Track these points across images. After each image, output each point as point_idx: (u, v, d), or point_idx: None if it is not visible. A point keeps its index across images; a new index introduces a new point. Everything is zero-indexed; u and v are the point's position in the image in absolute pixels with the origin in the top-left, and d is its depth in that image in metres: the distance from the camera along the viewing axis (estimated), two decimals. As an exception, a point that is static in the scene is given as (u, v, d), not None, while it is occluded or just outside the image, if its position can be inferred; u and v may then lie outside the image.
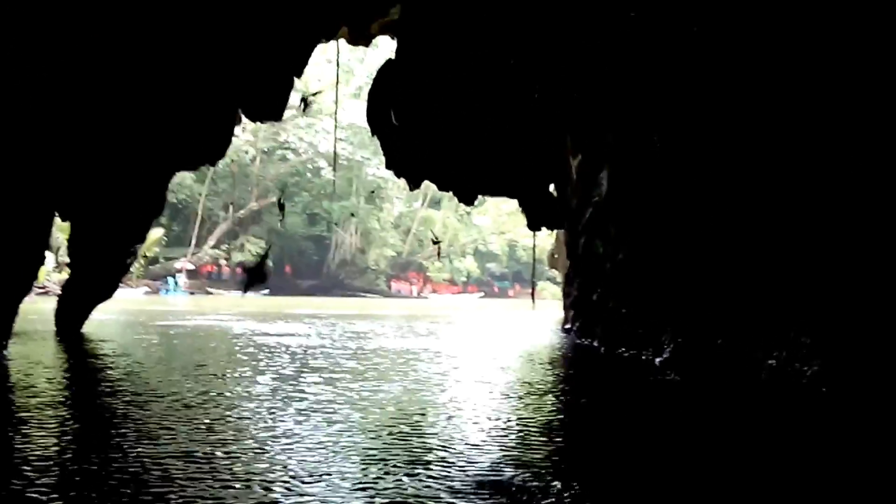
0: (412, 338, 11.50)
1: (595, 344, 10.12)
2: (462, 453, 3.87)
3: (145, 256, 44.42)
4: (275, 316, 18.99)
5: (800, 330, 6.02)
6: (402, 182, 54.55)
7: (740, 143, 7.44)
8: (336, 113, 30.77)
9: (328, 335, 12.15)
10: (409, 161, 11.57)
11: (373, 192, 55.86)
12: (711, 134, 8.24)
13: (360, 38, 14.18)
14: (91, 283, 10.41)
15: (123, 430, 4.50)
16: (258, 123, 49.34)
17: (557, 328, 15.32)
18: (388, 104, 10.99)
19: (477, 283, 69.92)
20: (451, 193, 12.98)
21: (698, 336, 7.16)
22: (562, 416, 5.32)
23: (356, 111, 51.24)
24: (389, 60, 11.65)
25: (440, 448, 3.98)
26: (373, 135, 11.79)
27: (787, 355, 6.03)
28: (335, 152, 32.89)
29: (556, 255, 25.63)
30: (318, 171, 53.86)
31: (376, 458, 3.78)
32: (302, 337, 11.44)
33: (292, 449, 3.92)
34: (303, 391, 5.89)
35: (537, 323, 18.40)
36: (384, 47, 62.33)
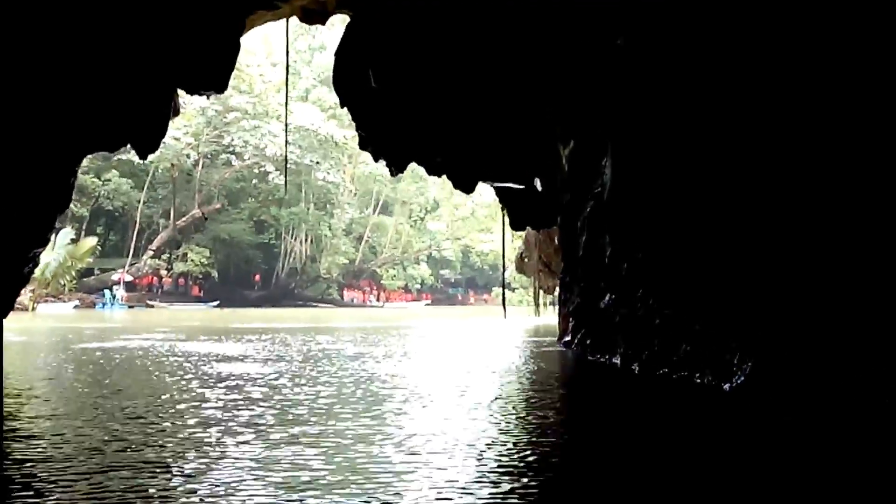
0: (386, 361, 9.51)
1: (617, 362, 8.32)
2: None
3: (77, 269, 41.31)
4: (221, 332, 16.72)
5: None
6: (353, 187, 52.23)
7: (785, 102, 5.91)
8: (287, 115, 28.52)
9: (284, 358, 10.06)
10: (391, 139, 9.47)
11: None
12: (749, 92, 6.67)
13: (315, 14, 12.08)
14: (-22, 301, 8.08)
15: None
16: (199, 125, 46.70)
17: (547, 340, 13.50)
18: (363, 63, 8.88)
19: (430, 291, 68.30)
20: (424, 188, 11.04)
21: (790, 354, 5.42)
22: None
23: (304, 114, 49.11)
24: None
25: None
26: (342, 105, 9.64)
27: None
28: (286, 157, 30.85)
29: (525, 259, 23.92)
30: (265, 176, 51.33)
31: None
32: (253, 362, 9.33)
33: None
34: (256, 462, 3.89)
35: (520, 335, 16.58)
36: (333, 48, 60.94)
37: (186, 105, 42.52)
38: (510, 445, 4.24)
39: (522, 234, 25.45)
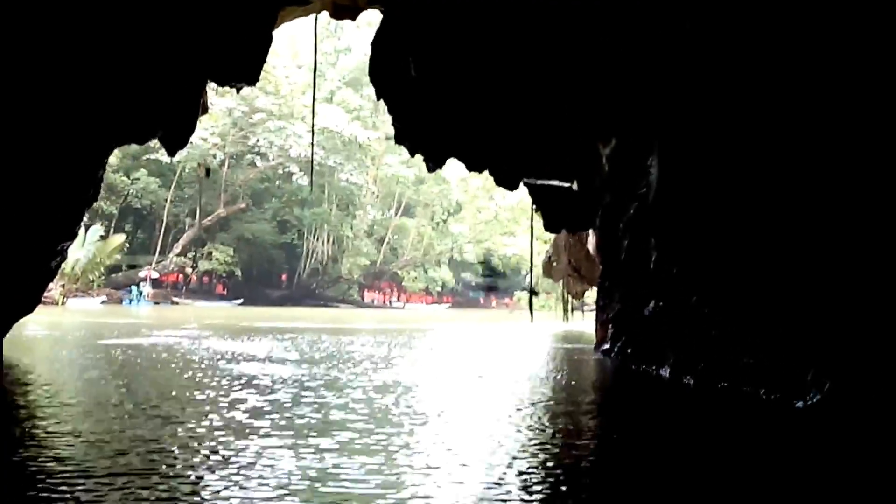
0: (418, 367, 9.21)
1: (665, 374, 7.94)
2: None
3: (106, 265, 41.56)
4: (245, 331, 16.57)
5: None
6: (376, 188, 51.84)
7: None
8: (313, 116, 28.33)
9: (309, 359, 9.82)
10: (429, 132, 9.10)
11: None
12: (820, 86, 6.29)
13: (345, 11, 11.80)
14: (6, 294, 7.89)
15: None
16: (226, 126, 46.89)
17: (583, 348, 13.12)
18: (402, 53, 8.52)
19: (451, 294, 67.86)
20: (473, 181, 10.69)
21: (875, 373, 5.03)
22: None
23: (329, 115, 49.06)
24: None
25: None
26: (379, 97, 9.32)
27: None
28: (311, 158, 30.57)
29: (554, 263, 23.50)
30: (290, 177, 51.31)
31: None
32: (278, 363, 9.08)
33: None
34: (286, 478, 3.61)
35: (552, 342, 16.20)
36: (358, 49, 60.29)
37: (213, 105, 42.66)
38: (578, 467, 3.93)
39: (550, 238, 25.05)
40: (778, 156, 6.45)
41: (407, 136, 9.44)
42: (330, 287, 57.42)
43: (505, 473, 3.31)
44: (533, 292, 26.56)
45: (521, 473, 3.32)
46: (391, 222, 60.31)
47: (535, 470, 3.47)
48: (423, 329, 20.59)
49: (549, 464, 3.56)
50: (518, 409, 5.75)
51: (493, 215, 59.84)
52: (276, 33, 10.46)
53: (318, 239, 56.42)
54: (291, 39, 58.77)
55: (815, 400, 5.40)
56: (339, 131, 49.42)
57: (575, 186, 12.63)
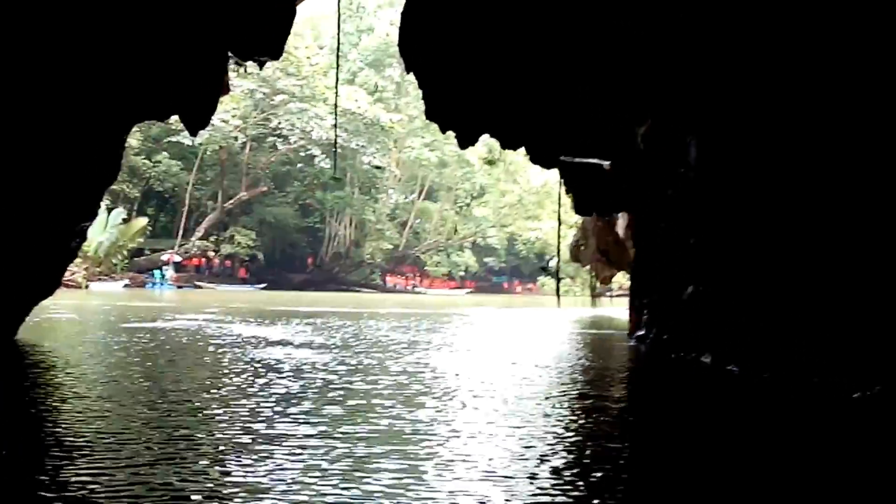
0: (445, 352, 8.88)
1: (707, 360, 7.52)
2: None
3: (129, 249, 41.78)
4: (269, 315, 16.35)
5: None
6: (399, 171, 51.66)
7: None
8: (336, 99, 27.97)
9: (337, 343, 9.53)
10: (463, 107, 8.65)
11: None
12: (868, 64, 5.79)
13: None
14: (26, 276, 7.66)
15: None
16: (247, 108, 46.64)
17: (614, 334, 12.72)
18: (434, 24, 8.03)
19: (474, 279, 67.55)
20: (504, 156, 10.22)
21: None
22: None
23: (351, 96, 48.66)
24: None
25: None
26: (408, 70, 8.87)
27: None
28: (335, 142, 30.26)
29: (581, 248, 23.06)
30: (311, 160, 51.07)
31: None
32: (307, 348, 8.78)
33: None
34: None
35: (581, 328, 15.79)
36: (380, 29, 59.82)
37: (235, 88, 42.49)
38: (640, 462, 3.57)
39: (576, 221, 24.56)
40: (840, 126, 5.98)
41: (438, 111, 8.99)
42: (352, 271, 57.34)
43: (548, 467, 2.94)
44: (557, 277, 26.10)
45: (563, 468, 2.96)
46: (414, 206, 59.97)
47: (574, 461, 3.13)
48: (450, 314, 20.28)
49: (591, 453, 3.20)
50: (555, 398, 5.40)
51: (517, 199, 59.27)
52: (298, 10, 10.08)
53: (340, 223, 56.29)
54: (312, 21, 58.45)
55: (875, 391, 4.98)
56: (361, 113, 49.03)
57: (608, 166, 12.16)
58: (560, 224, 20.78)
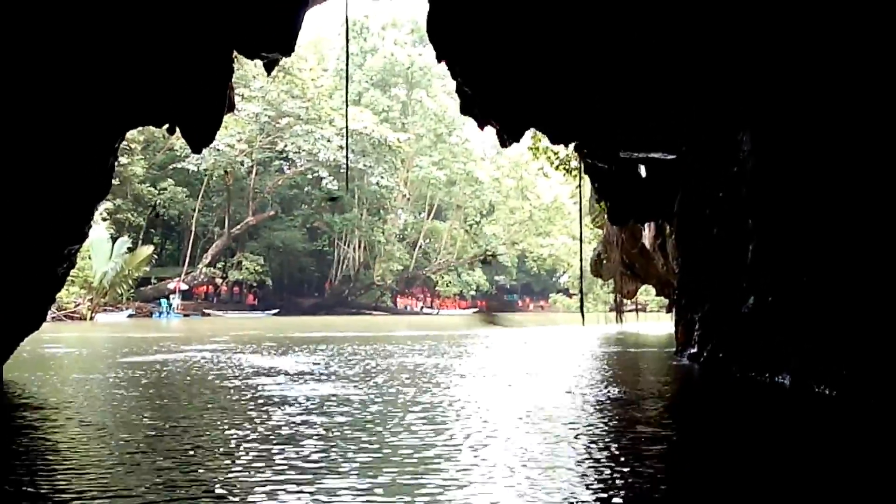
0: (478, 380, 7.93)
1: (785, 382, 6.54)
2: None
3: (134, 278, 40.97)
4: (281, 343, 15.40)
5: None
6: (407, 191, 50.62)
7: None
8: (346, 123, 27.25)
9: (362, 376, 8.58)
10: (504, 98, 7.60)
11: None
12: None
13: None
14: (8, 308, 6.73)
15: None
16: (252, 132, 46.13)
17: (660, 352, 11.68)
18: (469, 3, 7.05)
19: (485, 297, 66.57)
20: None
21: None
22: None
23: (357, 117, 48.07)
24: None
25: None
26: (439, 59, 7.88)
27: None
28: (346, 164, 29.78)
29: (604, 261, 22.09)
30: (319, 182, 50.39)
31: None
32: (325, 381, 7.84)
33: None
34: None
35: (618, 346, 14.75)
36: (384, 49, 59.66)
37: (240, 111, 41.91)
38: None
39: (598, 234, 23.64)
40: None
41: (475, 103, 7.93)
42: (362, 294, 56.41)
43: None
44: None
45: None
46: (423, 225, 59.15)
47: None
48: (469, 336, 19.29)
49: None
50: (615, 428, 4.48)
51: (527, 215, 58.45)
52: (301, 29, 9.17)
53: (349, 245, 55.46)
54: (316, 44, 58.13)
55: None
56: (368, 133, 48.43)
57: (643, 173, 11.24)
58: (581, 235, 19.85)
